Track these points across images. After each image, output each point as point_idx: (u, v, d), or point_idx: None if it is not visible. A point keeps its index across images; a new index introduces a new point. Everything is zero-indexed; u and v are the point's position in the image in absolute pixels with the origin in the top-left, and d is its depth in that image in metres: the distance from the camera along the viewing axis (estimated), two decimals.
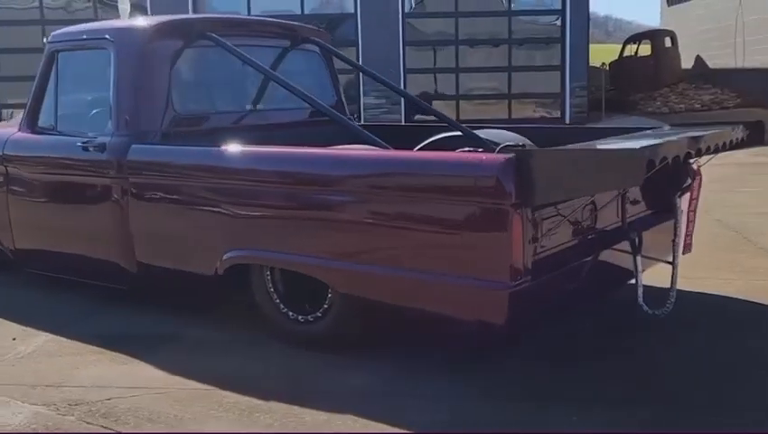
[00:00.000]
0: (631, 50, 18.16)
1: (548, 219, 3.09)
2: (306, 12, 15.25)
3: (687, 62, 18.40)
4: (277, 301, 3.64)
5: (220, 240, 3.69)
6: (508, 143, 3.98)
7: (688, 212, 3.53)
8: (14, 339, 3.90)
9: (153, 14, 15.13)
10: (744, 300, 4.16)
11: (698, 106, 15.76)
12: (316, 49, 5.05)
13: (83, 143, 4.18)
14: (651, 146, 2.78)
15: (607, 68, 17.66)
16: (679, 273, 3.60)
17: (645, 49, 17.97)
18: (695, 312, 3.96)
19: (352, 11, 14.96)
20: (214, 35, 4.31)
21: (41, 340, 3.86)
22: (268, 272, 3.65)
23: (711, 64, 18.03)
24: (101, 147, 4.11)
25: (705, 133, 3.19)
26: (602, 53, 18.46)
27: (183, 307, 4.15)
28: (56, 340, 3.86)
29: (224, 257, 3.65)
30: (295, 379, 3.31)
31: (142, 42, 4.18)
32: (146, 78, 4.14)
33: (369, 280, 3.23)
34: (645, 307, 3.45)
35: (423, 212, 3.05)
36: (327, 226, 3.34)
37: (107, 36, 4.29)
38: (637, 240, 3.49)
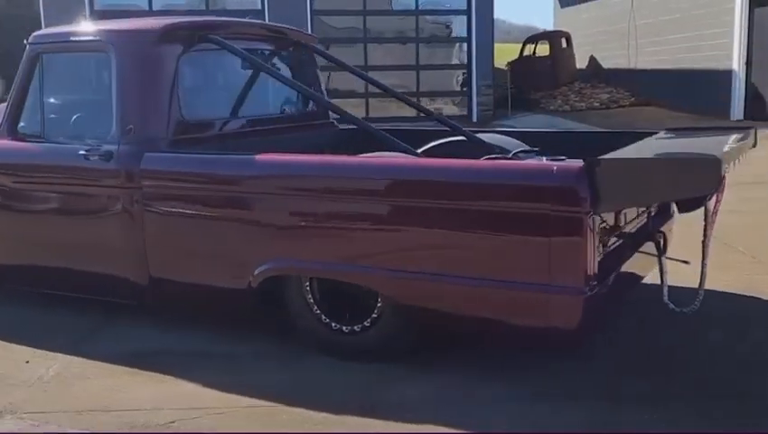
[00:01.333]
0: (530, 49, 18.82)
1: (602, 224, 3.21)
2: (212, 7, 14.95)
3: (580, 63, 19.24)
4: (318, 312, 3.59)
5: (254, 251, 3.59)
6: (522, 148, 4.10)
7: (713, 214, 3.73)
8: (27, 362, 3.67)
9: (45, 11, 14.49)
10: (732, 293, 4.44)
11: (597, 104, 16.55)
12: (305, 51, 4.99)
13: (85, 151, 3.97)
14: (725, 152, 2.94)
15: (509, 67, 18.24)
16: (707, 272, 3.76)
17: (543, 49, 18.66)
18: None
19: (260, 7, 14.76)
20: (219, 38, 4.21)
21: (59, 362, 3.65)
22: (308, 283, 3.60)
23: (604, 64, 18.93)
24: (107, 156, 3.91)
25: (742, 137, 3.39)
26: (503, 53, 19.01)
27: (193, 321, 4.03)
28: (76, 361, 3.66)
29: (259, 269, 3.56)
30: (354, 390, 3.28)
31: (148, 46, 4.01)
32: (153, 83, 3.97)
33: (432, 290, 3.23)
34: (672, 306, 3.62)
35: (492, 220, 3.09)
36: (388, 236, 3.31)
37: (105, 39, 4.08)
38: (662, 241, 3.68)
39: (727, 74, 13.78)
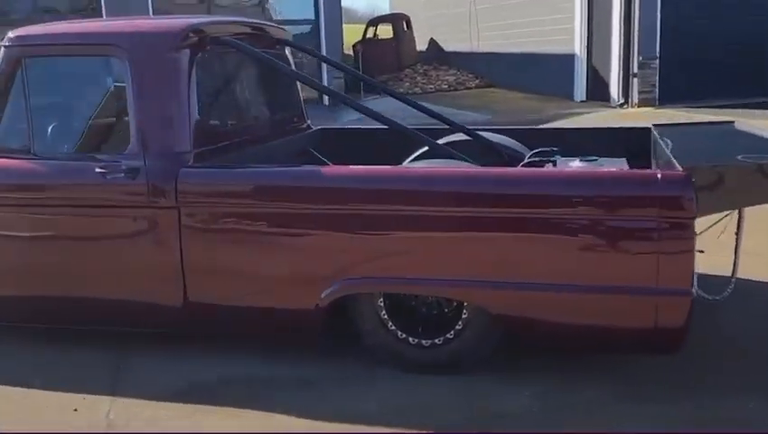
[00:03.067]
0: (372, 32, 18.98)
1: None
2: None
3: (419, 45, 19.69)
4: (393, 328, 3.49)
5: (323, 270, 3.41)
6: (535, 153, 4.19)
7: None
8: (75, 410, 3.27)
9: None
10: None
11: (446, 87, 17.04)
12: (282, 48, 4.76)
13: (102, 168, 3.57)
14: None
15: (355, 49, 18.29)
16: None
17: (385, 31, 18.89)
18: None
19: None
20: (233, 40, 3.94)
21: (112, 406, 3.29)
22: (381, 300, 3.48)
23: (445, 47, 19.50)
24: (132, 173, 3.55)
25: None
26: (351, 35, 19.02)
27: (226, 347, 3.78)
28: (129, 403, 3.31)
29: (329, 288, 3.39)
30: (452, 405, 3.23)
31: (169, 50, 3.66)
32: (176, 91, 3.63)
33: (534, 301, 3.24)
34: (702, 294, 3.86)
35: (596, 229, 3.14)
36: (486, 247, 3.25)
37: (114, 42, 3.67)
38: None
39: (570, 58, 14.67)
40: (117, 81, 3.78)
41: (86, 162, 3.68)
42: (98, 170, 3.59)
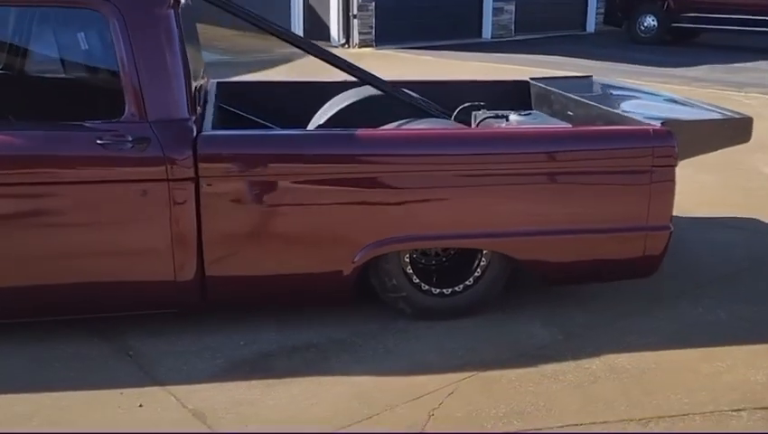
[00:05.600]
0: None
1: None
2: None
3: None
4: (417, 281, 3.68)
5: (358, 232, 3.48)
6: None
7: None
8: (140, 406, 2.99)
9: None
10: None
11: None
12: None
13: (101, 139, 3.20)
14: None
15: None
16: None
17: None
18: None
19: None
20: None
21: (182, 393, 3.07)
22: (408, 255, 3.64)
23: None
24: (141, 143, 3.23)
25: None
26: None
27: (245, 318, 3.69)
28: (194, 388, 3.12)
29: (363, 251, 3.48)
30: (498, 344, 3.55)
31: (167, 5, 3.34)
32: (175, 51, 3.37)
33: (550, 244, 3.65)
34: None
35: (604, 177, 3.63)
36: (512, 201, 3.58)
37: None
38: None
39: None
40: (99, 39, 3.36)
41: (72, 132, 3.26)
42: (98, 141, 3.20)
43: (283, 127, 4.27)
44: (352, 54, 12.91)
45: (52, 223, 3.28)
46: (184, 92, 3.36)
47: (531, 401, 3.10)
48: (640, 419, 2.98)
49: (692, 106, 4.42)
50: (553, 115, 4.56)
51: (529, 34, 15.98)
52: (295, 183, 3.42)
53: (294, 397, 3.11)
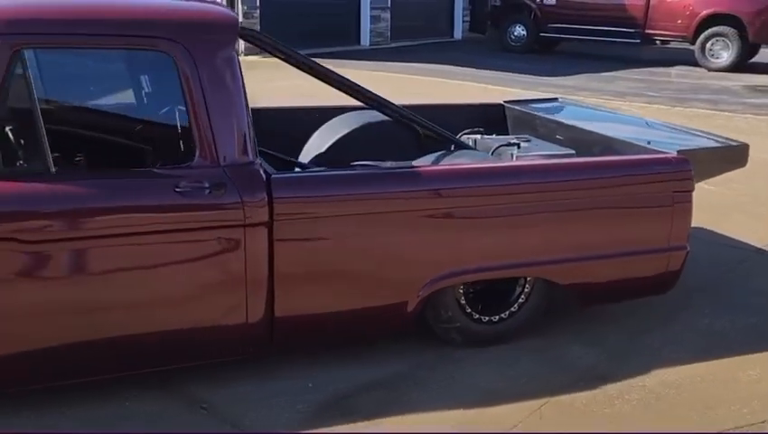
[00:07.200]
0: None
1: None
2: None
3: None
4: (469, 311, 3.77)
5: (422, 267, 3.54)
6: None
7: None
8: None
9: None
10: None
11: None
12: None
13: (177, 184, 3.06)
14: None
15: None
16: None
17: None
18: None
19: None
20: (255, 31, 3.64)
21: None
22: (462, 287, 3.72)
23: None
24: (218, 188, 3.13)
25: None
26: None
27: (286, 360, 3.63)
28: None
29: (426, 284, 3.54)
30: (551, 369, 3.70)
31: (232, 43, 3.26)
32: (239, 92, 3.28)
33: (589, 268, 3.86)
34: None
35: (633, 203, 3.87)
36: (553, 229, 3.75)
37: (165, 34, 3.09)
38: None
39: None
40: (165, 82, 3.19)
41: (148, 179, 3.09)
42: (176, 189, 3.06)
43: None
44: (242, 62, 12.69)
45: (123, 275, 3.09)
46: (250, 134, 3.27)
47: (615, 423, 3.28)
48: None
49: (680, 131, 4.79)
50: (541, 139, 4.78)
51: (404, 41, 16.35)
52: (365, 220, 3.42)
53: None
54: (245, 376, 3.47)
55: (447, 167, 3.75)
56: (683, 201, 3.96)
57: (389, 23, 16.34)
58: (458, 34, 18.28)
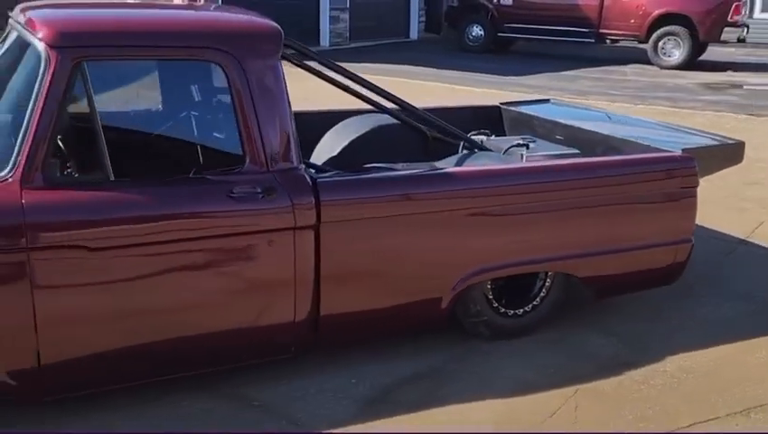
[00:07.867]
0: None
1: None
2: None
3: None
4: (496, 305, 3.94)
5: (457, 264, 3.70)
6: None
7: None
8: None
9: None
10: None
11: None
12: None
13: (231, 190, 3.16)
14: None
15: None
16: None
17: None
18: None
19: None
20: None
21: None
22: (490, 282, 3.88)
23: None
24: (271, 192, 3.24)
25: None
26: None
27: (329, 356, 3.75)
28: (357, 429, 3.18)
29: (460, 280, 3.70)
30: (578, 358, 3.89)
31: (277, 52, 3.35)
32: (285, 98, 3.38)
33: (606, 261, 4.06)
34: None
35: (648, 198, 4.10)
36: (575, 225, 3.94)
37: (215, 44, 3.17)
38: None
39: None
40: (213, 90, 3.28)
41: (201, 186, 3.18)
42: (231, 195, 3.15)
43: None
44: None
45: (180, 279, 3.17)
46: (295, 139, 3.38)
47: (646, 407, 3.49)
48: (742, 411, 3.47)
49: (676, 130, 5.05)
50: (541, 139, 4.98)
51: (362, 42, 16.48)
52: (405, 221, 3.56)
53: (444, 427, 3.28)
54: (287, 374, 3.57)
55: (483, 168, 3.91)
56: (689, 196, 4.21)
57: (348, 23, 16.46)
58: (414, 35, 18.51)
